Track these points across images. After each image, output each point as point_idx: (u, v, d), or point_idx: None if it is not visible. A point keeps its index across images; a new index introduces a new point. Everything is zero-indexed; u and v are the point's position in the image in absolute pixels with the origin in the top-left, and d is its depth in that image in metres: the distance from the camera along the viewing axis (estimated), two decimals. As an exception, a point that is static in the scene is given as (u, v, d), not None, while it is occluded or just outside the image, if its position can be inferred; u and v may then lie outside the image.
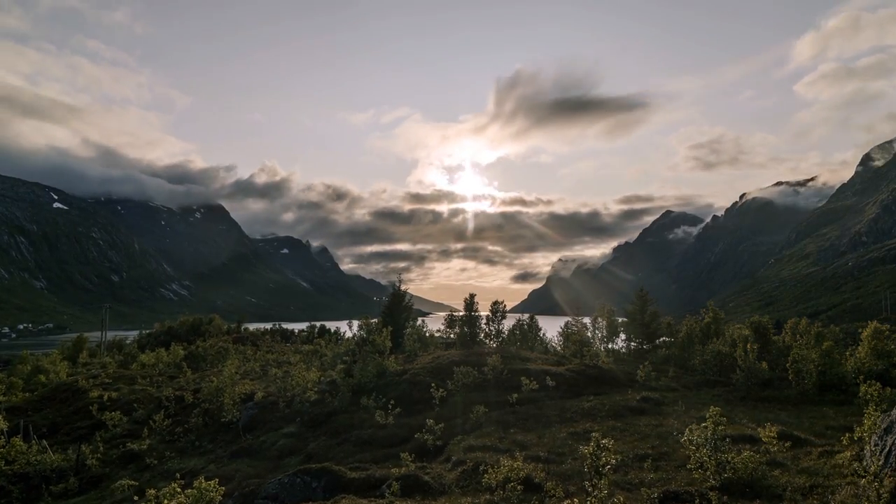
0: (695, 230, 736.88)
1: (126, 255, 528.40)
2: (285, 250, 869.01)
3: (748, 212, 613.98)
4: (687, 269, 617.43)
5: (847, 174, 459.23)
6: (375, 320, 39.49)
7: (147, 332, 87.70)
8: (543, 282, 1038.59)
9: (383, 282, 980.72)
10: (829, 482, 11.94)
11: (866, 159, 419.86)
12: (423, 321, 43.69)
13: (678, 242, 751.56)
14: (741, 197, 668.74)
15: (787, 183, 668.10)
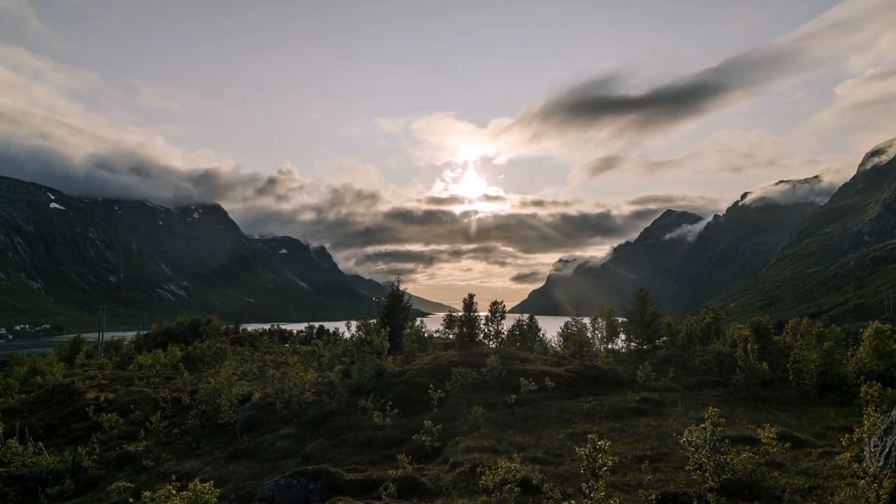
0: (696, 229, 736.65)
1: (124, 256, 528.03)
2: (284, 250, 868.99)
3: (750, 211, 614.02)
4: (688, 268, 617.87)
5: (850, 172, 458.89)
6: (374, 321, 39.53)
7: (144, 332, 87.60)
8: (544, 282, 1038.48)
9: (382, 282, 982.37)
10: (829, 483, 11.95)
11: (869, 157, 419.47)
12: (421, 322, 43.72)
13: (679, 242, 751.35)
14: (743, 196, 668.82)
15: (789, 181, 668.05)
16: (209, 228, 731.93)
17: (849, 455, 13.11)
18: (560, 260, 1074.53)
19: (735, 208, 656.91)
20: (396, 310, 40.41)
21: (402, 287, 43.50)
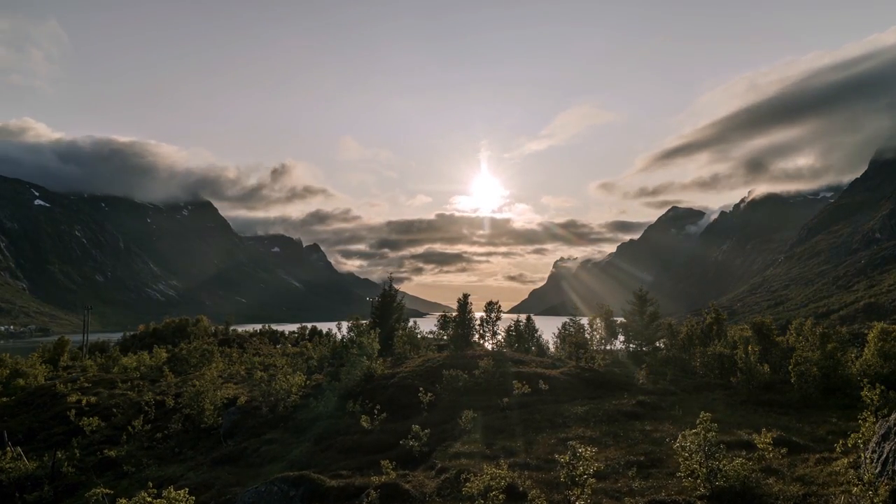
0: (702, 227, 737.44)
1: (111, 254, 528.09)
2: (276, 249, 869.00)
3: (757, 208, 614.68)
4: (694, 266, 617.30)
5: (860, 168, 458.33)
6: (365, 322, 39.49)
7: (131, 334, 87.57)
8: (556, 281, 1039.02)
9: (377, 280, 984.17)
10: (824, 490, 11.93)
11: (880, 152, 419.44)
12: (415, 322, 43.71)
13: (685, 239, 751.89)
14: (750, 192, 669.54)
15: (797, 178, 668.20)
16: (199, 226, 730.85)
17: (846, 461, 13.13)
18: (561, 258, 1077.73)
19: (741, 205, 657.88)
20: (388, 310, 40.40)
21: (396, 286, 43.51)
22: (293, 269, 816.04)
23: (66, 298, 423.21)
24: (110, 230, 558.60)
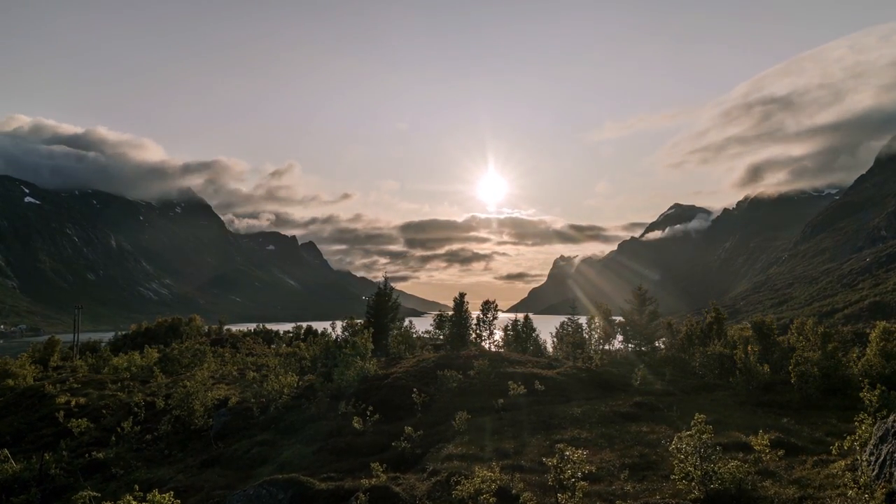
0: (705, 225, 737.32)
1: (103, 253, 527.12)
2: (271, 247, 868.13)
3: (761, 205, 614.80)
4: (696, 265, 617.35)
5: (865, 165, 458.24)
6: (361, 321, 39.53)
7: (123, 333, 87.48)
8: (556, 280, 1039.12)
9: (374, 279, 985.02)
10: (821, 493, 11.93)
11: (886, 149, 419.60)
12: (410, 321, 43.73)
13: (688, 237, 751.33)
14: (753, 190, 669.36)
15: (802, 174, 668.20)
16: (192, 224, 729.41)
17: (843, 464, 13.13)
18: (562, 256, 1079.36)
19: (745, 202, 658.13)
20: (384, 309, 40.40)
21: (392, 285, 43.52)
22: (289, 267, 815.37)
23: (57, 297, 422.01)
24: (102, 228, 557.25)
